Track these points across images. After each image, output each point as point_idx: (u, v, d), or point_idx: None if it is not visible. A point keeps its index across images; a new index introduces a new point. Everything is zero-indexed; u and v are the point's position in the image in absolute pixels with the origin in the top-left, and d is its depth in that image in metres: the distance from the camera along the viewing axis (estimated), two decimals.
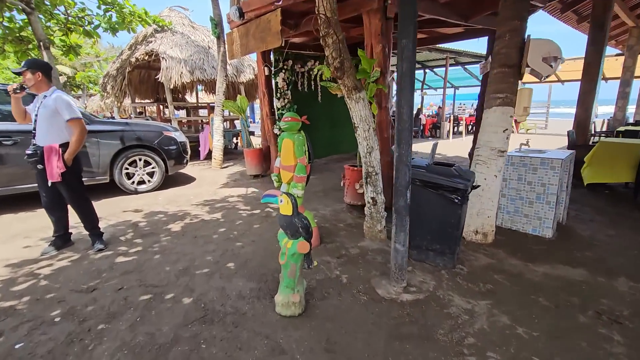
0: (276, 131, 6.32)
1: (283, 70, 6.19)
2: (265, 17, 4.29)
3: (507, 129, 3.14)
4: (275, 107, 6.38)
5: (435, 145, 2.93)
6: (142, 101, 11.69)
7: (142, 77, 10.80)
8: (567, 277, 2.70)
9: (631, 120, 9.17)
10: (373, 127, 2.89)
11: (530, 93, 3.16)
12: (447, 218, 2.72)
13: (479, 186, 2.84)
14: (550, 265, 2.88)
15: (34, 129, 3.03)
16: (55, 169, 3.02)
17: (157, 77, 8.11)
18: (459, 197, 2.59)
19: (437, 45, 10.06)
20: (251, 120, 19.98)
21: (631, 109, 10.06)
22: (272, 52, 6.20)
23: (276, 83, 6.23)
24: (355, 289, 2.53)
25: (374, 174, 3.00)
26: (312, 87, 6.98)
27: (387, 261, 2.96)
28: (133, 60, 8.36)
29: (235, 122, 11.44)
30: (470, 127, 15.00)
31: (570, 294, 2.46)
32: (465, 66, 16.63)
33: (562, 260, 2.97)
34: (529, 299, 2.39)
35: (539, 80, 3.18)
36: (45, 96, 3.04)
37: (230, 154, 9.75)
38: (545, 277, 2.70)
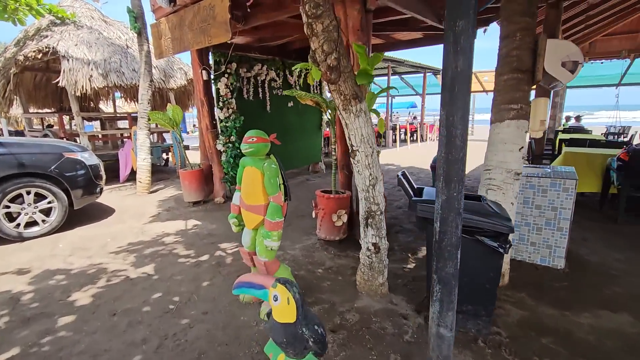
0: (220, 147, 5.23)
1: (226, 75, 5.14)
2: (206, 3, 3.27)
3: (522, 147, 2.61)
4: (217, 118, 5.28)
5: None
6: (40, 111, 9.44)
7: (38, 81, 8.67)
8: (619, 329, 2.19)
9: None
10: (377, 151, 2.10)
11: (546, 103, 2.69)
12: (484, 271, 2.03)
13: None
14: (590, 313, 2.36)
15: None
16: None
17: (57, 81, 6.38)
18: (503, 245, 1.92)
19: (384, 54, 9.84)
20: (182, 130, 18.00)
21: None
22: (210, 53, 5.11)
23: (217, 90, 5.15)
24: None
25: (378, 213, 2.20)
26: (260, 95, 6.01)
27: (402, 331, 2.18)
28: (21, 59, 6.48)
29: (165, 135, 9.83)
30: (411, 135, 15.31)
31: None
32: (402, 76, 17.22)
33: (596, 302, 2.49)
34: None
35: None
36: None
37: (160, 172, 8.23)
38: (596, 332, 2.16)
